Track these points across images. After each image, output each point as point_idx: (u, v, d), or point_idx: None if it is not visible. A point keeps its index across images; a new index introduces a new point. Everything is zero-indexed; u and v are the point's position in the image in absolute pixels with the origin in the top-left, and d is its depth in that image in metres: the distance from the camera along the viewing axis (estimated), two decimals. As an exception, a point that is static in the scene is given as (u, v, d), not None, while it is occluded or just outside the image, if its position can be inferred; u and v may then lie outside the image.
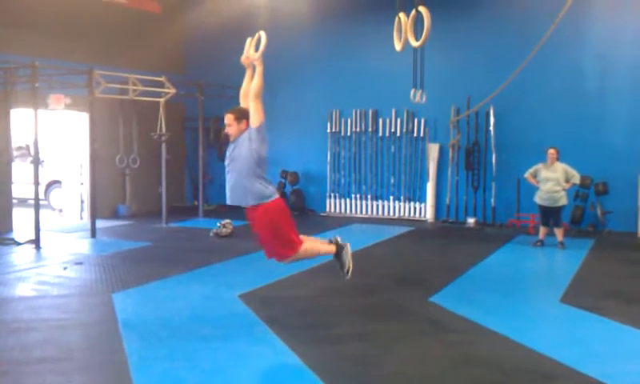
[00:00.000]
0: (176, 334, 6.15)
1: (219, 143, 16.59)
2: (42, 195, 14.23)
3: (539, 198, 11.05)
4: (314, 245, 6.27)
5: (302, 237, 6.13)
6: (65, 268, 9.19)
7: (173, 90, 13.33)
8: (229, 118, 5.93)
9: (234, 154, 5.92)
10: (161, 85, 13.33)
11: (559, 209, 10.94)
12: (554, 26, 9.43)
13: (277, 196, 5.98)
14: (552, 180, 10.84)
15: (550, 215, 11.02)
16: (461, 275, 8.87)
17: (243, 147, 5.83)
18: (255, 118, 5.81)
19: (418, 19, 7.31)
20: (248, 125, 5.87)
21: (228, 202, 6.15)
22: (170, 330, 6.27)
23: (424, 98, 11.26)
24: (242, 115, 5.90)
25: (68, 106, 13.12)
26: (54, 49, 13.10)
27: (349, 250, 6.38)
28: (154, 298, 7.64)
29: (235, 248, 10.86)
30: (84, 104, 12.79)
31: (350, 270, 6.35)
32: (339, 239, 6.42)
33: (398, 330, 6.41)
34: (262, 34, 5.93)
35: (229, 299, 7.49)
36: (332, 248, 6.34)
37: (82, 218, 14.43)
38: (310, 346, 5.78)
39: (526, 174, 11.24)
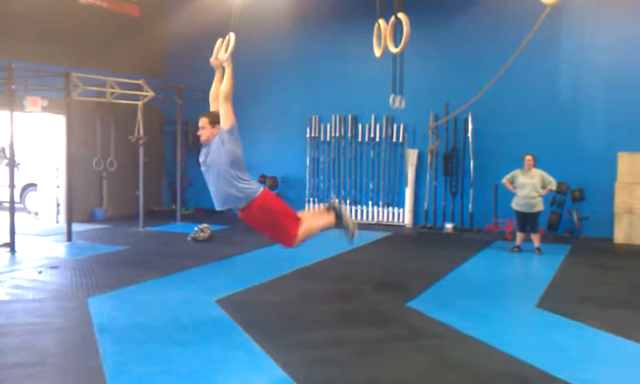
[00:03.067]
0: (152, 338, 6.10)
1: (198, 147, 16.52)
2: (17, 198, 14.07)
3: (516, 204, 11.13)
4: (313, 223, 6.13)
5: (300, 214, 6.08)
6: (40, 272, 9.08)
7: (151, 94, 13.26)
8: (203, 122, 5.91)
9: (208, 160, 5.90)
10: (139, 88, 13.25)
11: (536, 215, 11.03)
12: (532, 33, 9.49)
13: (262, 189, 5.95)
14: (529, 186, 10.93)
15: (526, 221, 11.11)
16: (438, 280, 8.90)
17: (216, 152, 5.80)
18: (226, 120, 5.79)
19: (398, 26, 7.33)
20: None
21: (217, 208, 6.08)
22: (147, 334, 6.22)
23: (403, 104, 11.30)
24: (217, 119, 5.88)
25: (45, 109, 12.99)
26: (31, 51, 12.97)
27: (346, 211, 6.27)
28: (130, 302, 7.57)
29: (213, 252, 10.81)
30: (61, 107, 12.67)
31: (355, 232, 6.24)
32: (336, 202, 6.33)
33: (375, 335, 6.41)
34: (232, 35, 5.93)
35: (206, 304, 7.45)
36: (331, 219, 6.23)
37: (57, 222, 14.29)
38: (287, 351, 5.76)
39: (504, 180, 11.33)
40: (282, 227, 5.97)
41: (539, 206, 10.99)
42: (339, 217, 6.23)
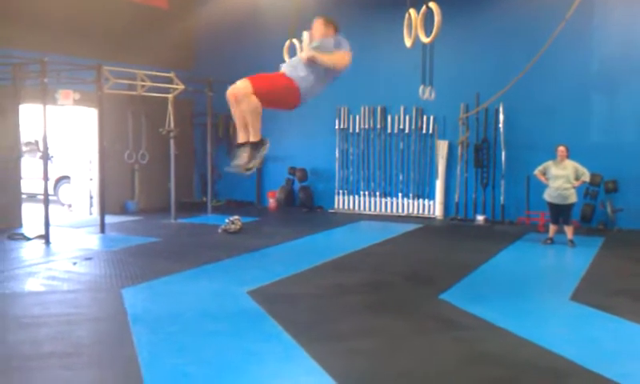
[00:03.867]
0: (185, 329, 6.15)
1: (228, 139, 16.60)
2: (51, 191, 14.24)
3: (549, 196, 11.00)
4: (259, 110, 5.70)
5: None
6: (74, 263, 9.21)
7: (181, 86, 13.34)
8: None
9: None
10: (169, 81, 13.34)
11: (569, 206, 10.89)
12: (564, 22, 9.36)
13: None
14: (562, 177, 10.79)
15: (559, 213, 10.98)
16: (470, 273, 8.84)
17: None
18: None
19: (428, 15, 7.27)
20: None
21: None
22: (180, 325, 6.28)
23: (433, 95, 11.22)
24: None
25: (77, 102, 13.13)
26: (63, 45, 13.11)
27: (265, 149, 5.90)
28: (163, 293, 7.65)
29: (244, 244, 10.86)
30: (93, 100, 12.80)
31: (253, 168, 5.89)
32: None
33: (407, 327, 6.39)
34: (304, 34, 5.94)
35: (238, 295, 7.49)
36: (258, 135, 5.80)
37: (91, 214, 14.47)
38: (319, 343, 5.77)
39: (536, 172, 11.20)
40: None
41: (572, 198, 10.85)
42: (258, 145, 5.83)
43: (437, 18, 7.00)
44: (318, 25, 6.16)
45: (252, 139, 5.76)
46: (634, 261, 9.99)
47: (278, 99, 5.92)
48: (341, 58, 5.94)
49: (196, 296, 7.52)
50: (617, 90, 12.90)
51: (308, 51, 5.83)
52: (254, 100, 5.59)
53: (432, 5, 7.17)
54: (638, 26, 12.66)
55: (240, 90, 5.57)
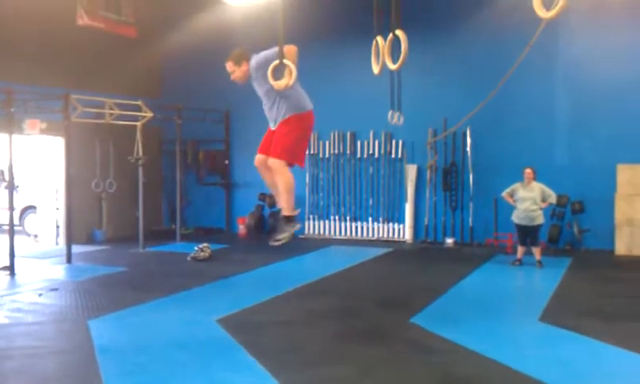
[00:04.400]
0: (153, 360, 6.05)
1: (197, 165, 16.54)
2: (16, 221, 14.04)
3: (516, 218, 11.11)
4: (290, 187, 5.86)
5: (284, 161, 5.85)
6: (40, 294, 9.03)
7: (150, 114, 13.27)
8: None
9: None
10: (138, 109, 13.26)
11: (536, 228, 11.01)
12: (529, 48, 9.50)
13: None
14: (529, 199, 10.92)
15: (527, 234, 11.09)
16: (441, 296, 8.86)
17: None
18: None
19: (396, 42, 7.33)
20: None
21: None
22: (148, 356, 6.17)
23: (401, 120, 11.30)
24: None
25: (44, 131, 12.97)
26: (30, 73, 12.98)
27: (293, 229, 6.03)
28: (131, 323, 7.53)
29: (213, 272, 10.76)
30: (60, 129, 12.66)
31: (283, 241, 6.01)
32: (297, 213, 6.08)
33: (379, 352, 6.36)
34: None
35: (207, 324, 7.40)
36: (293, 210, 5.96)
37: (57, 244, 14.25)
38: (289, 371, 5.71)
39: (504, 194, 11.32)
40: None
41: (539, 219, 10.98)
42: (291, 220, 5.96)
43: (403, 45, 7.05)
44: (232, 66, 5.98)
45: (285, 213, 5.94)
46: (602, 281, 10.10)
47: (301, 138, 5.93)
48: (290, 51, 5.74)
49: (164, 326, 7.41)
50: (582, 112, 13.12)
51: (290, 76, 5.63)
52: (288, 175, 5.76)
53: (399, 33, 7.22)
54: (602, 49, 12.91)
55: (276, 165, 5.73)
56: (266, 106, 5.99)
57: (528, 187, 11.00)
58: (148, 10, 15.90)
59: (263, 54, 5.84)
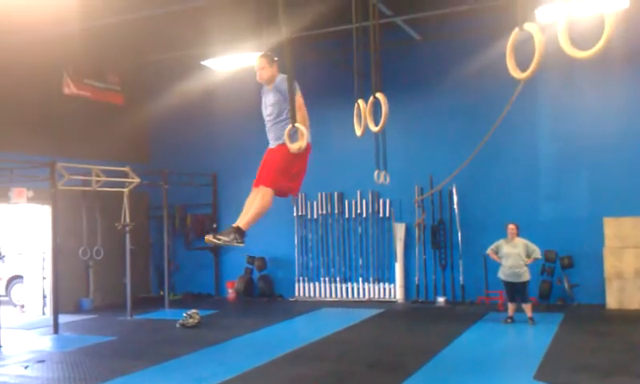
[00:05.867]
0: (142, 433, 5.91)
1: (185, 230, 16.47)
2: (2, 291, 13.87)
3: (503, 274, 11.10)
4: (264, 211, 5.85)
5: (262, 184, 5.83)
6: (26, 367, 8.86)
7: (137, 180, 13.26)
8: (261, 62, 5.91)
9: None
10: (124, 175, 13.27)
11: (524, 284, 10.98)
12: (507, 108, 9.64)
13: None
14: (514, 255, 10.92)
15: (515, 291, 11.05)
16: (433, 357, 8.76)
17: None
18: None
19: (377, 104, 7.42)
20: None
21: None
22: (136, 429, 6.03)
23: (388, 179, 11.35)
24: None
25: (30, 200, 12.94)
26: (16, 142, 12.99)
27: (237, 243, 5.81)
28: (118, 395, 7.38)
29: (202, 339, 10.62)
30: (46, 197, 12.63)
31: (221, 243, 5.80)
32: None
33: (371, 417, 6.25)
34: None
35: (197, 393, 7.26)
36: (248, 228, 5.87)
37: (44, 314, 14.03)
38: (281, 440, 5.59)
39: (488, 251, 11.34)
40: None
41: (526, 276, 10.95)
42: (240, 232, 5.81)
43: (384, 108, 7.14)
44: (265, 63, 5.91)
45: (241, 226, 5.77)
46: (595, 335, 10.04)
47: (289, 168, 5.82)
48: (301, 108, 5.70)
49: (153, 396, 7.27)
50: (565, 167, 13.24)
51: (304, 137, 5.52)
52: (269, 202, 5.74)
53: (379, 95, 7.32)
54: (581, 104, 13.11)
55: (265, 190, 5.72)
56: (269, 119, 5.95)
57: (512, 243, 11.01)
58: (133, 77, 16.12)
59: (285, 85, 5.68)
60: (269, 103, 5.92)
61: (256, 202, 5.80)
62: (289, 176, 5.82)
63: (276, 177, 5.76)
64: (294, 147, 5.48)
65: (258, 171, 5.94)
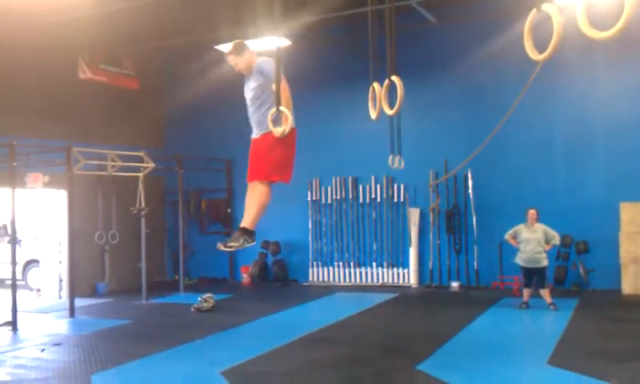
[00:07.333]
0: (157, 415, 5.96)
1: (200, 215, 16.54)
2: (19, 275, 13.98)
3: (521, 260, 11.04)
4: (265, 207, 5.85)
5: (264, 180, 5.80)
6: (42, 350, 8.95)
7: (152, 165, 13.31)
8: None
9: None
10: (140, 160, 13.32)
11: (542, 270, 10.93)
12: (525, 89, 9.57)
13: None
14: (533, 241, 10.86)
15: (532, 276, 11.00)
16: (447, 341, 8.75)
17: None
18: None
19: (392, 88, 7.38)
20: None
21: None
22: (152, 411, 6.08)
23: (402, 164, 11.33)
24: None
25: (46, 185, 13.02)
26: (32, 127, 13.07)
27: (246, 244, 5.87)
28: (134, 377, 7.44)
29: (217, 323, 10.67)
30: (62, 182, 12.70)
31: (233, 249, 5.91)
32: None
33: (385, 401, 6.26)
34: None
35: (211, 376, 7.31)
36: (254, 226, 5.87)
37: (60, 297, 14.16)
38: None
39: (506, 236, 11.27)
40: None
41: (544, 261, 10.90)
42: (248, 234, 5.83)
43: (399, 91, 7.10)
44: (235, 59, 5.83)
45: (246, 226, 5.79)
46: (610, 321, 9.99)
47: (282, 157, 5.78)
48: (285, 91, 5.58)
49: (169, 379, 7.33)
50: (582, 152, 13.12)
51: (288, 120, 5.43)
52: (268, 195, 5.74)
53: (395, 78, 7.28)
54: (600, 87, 12.97)
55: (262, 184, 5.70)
56: (251, 104, 5.85)
57: (531, 228, 10.95)
58: (149, 62, 16.12)
59: (269, 68, 5.62)
60: (250, 87, 5.84)
61: (254, 199, 5.79)
62: (280, 165, 5.76)
63: (267, 169, 5.72)
64: (278, 131, 5.43)
65: (249, 166, 5.89)
